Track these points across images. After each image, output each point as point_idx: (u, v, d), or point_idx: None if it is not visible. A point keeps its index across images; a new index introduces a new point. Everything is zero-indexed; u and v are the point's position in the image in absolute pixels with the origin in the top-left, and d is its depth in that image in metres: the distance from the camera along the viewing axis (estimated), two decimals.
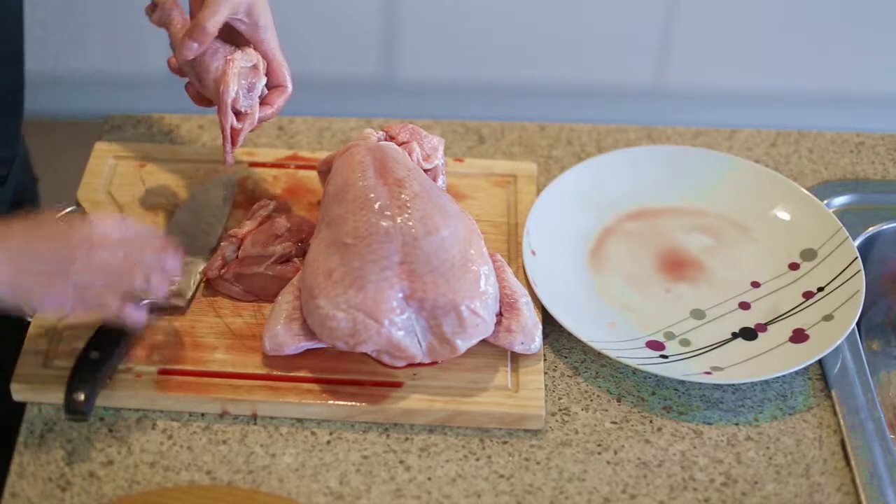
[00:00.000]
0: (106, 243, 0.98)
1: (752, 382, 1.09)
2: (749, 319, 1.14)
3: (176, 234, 1.17)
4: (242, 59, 1.10)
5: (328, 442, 1.04)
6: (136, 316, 1.00)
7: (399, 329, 1.03)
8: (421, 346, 1.04)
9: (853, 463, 1.03)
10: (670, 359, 1.10)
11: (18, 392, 1.05)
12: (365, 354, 1.06)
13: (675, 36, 2.40)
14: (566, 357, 1.11)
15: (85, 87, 2.34)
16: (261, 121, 1.13)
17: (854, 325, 1.11)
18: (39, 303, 0.99)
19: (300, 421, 1.05)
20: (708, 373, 1.08)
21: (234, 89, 1.09)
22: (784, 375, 1.10)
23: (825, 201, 1.25)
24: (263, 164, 1.26)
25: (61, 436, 1.03)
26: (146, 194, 1.22)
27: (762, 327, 1.13)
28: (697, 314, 1.15)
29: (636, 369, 1.09)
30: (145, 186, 1.23)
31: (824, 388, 1.10)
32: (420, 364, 1.06)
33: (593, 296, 1.16)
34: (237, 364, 1.07)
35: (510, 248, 1.19)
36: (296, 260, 1.14)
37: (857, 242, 1.22)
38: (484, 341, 1.06)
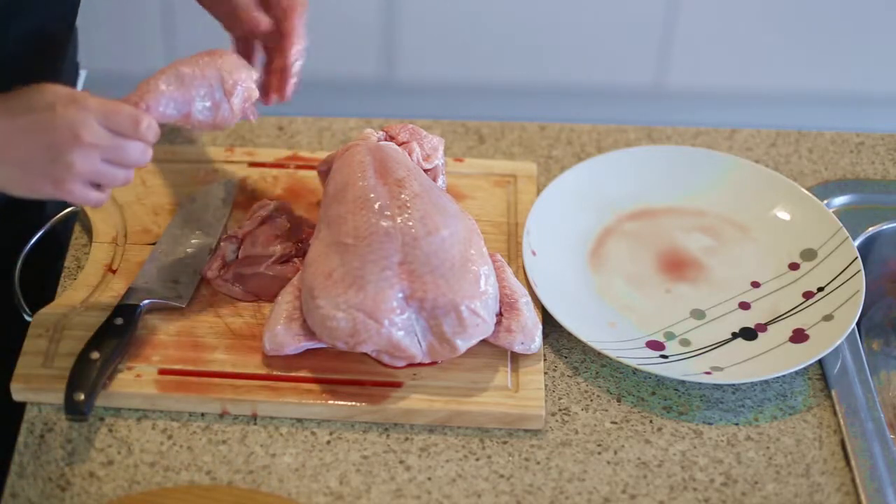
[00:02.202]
0: (93, 140, 0.96)
1: (752, 382, 1.09)
2: (749, 319, 1.14)
3: (176, 235, 1.17)
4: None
5: (328, 442, 1.04)
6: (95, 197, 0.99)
7: (399, 329, 1.03)
8: (421, 346, 1.04)
9: (853, 463, 1.03)
10: (670, 359, 1.10)
11: (18, 392, 1.05)
12: (365, 354, 1.06)
13: (675, 36, 2.40)
14: (566, 357, 1.11)
15: (85, 88, 2.34)
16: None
17: (854, 325, 1.11)
18: (23, 193, 0.98)
19: (300, 421, 1.05)
20: (708, 373, 1.08)
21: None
22: (784, 375, 1.10)
23: (825, 201, 1.25)
24: (263, 164, 1.26)
25: (61, 436, 1.03)
26: (146, 194, 1.22)
27: (762, 327, 1.13)
28: (697, 314, 1.15)
29: (636, 369, 1.09)
30: (145, 186, 1.23)
31: (824, 388, 1.10)
32: (420, 364, 1.06)
33: (593, 296, 1.16)
34: (237, 364, 1.07)
35: (510, 248, 1.19)
36: (296, 260, 1.14)
37: (857, 242, 1.22)
38: (484, 341, 1.06)
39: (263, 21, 1.10)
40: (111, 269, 1.15)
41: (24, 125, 0.94)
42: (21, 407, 1.06)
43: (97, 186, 0.99)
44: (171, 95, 1.03)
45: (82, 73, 1.35)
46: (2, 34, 1.10)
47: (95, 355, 1.03)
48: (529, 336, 1.07)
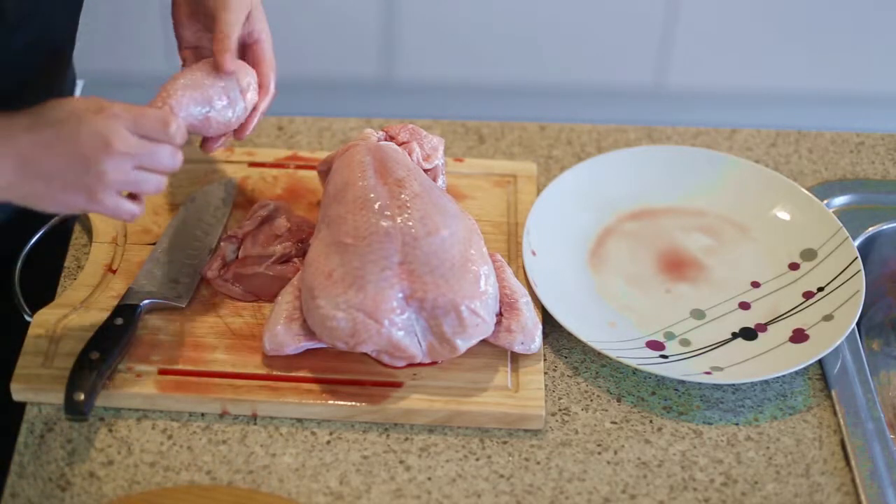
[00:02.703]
0: (124, 148, 0.94)
1: (752, 382, 1.09)
2: (749, 319, 1.14)
3: (176, 235, 1.17)
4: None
5: (328, 442, 1.04)
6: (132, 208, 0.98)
7: (399, 329, 1.03)
8: (421, 346, 1.04)
9: (853, 463, 1.03)
10: (670, 359, 1.10)
11: (18, 392, 1.05)
12: (365, 354, 1.06)
13: (675, 36, 2.40)
14: (566, 357, 1.11)
15: (85, 88, 2.34)
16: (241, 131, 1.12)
17: (854, 325, 1.11)
18: (54, 208, 0.96)
19: (300, 421, 1.05)
20: (708, 373, 1.08)
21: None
22: (784, 375, 1.10)
23: (825, 201, 1.25)
24: (263, 164, 1.26)
25: (61, 436, 1.03)
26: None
27: (762, 327, 1.13)
28: (697, 314, 1.15)
29: (636, 369, 1.09)
30: None
31: (824, 388, 1.10)
32: (420, 364, 1.06)
33: (593, 296, 1.16)
34: (237, 364, 1.07)
35: (510, 248, 1.19)
36: (296, 260, 1.14)
37: (857, 242, 1.22)
38: (484, 341, 1.06)
39: (229, 66, 1.07)
40: (111, 269, 1.15)
41: (50, 138, 0.92)
42: (21, 407, 1.06)
43: (131, 197, 0.98)
44: (192, 96, 1.04)
45: (79, 84, 1.34)
46: (8, 42, 1.10)
47: (95, 355, 1.03)
48: (529, 336, 1.07)
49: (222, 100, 1.06)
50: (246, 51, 1.11)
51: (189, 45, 1.13)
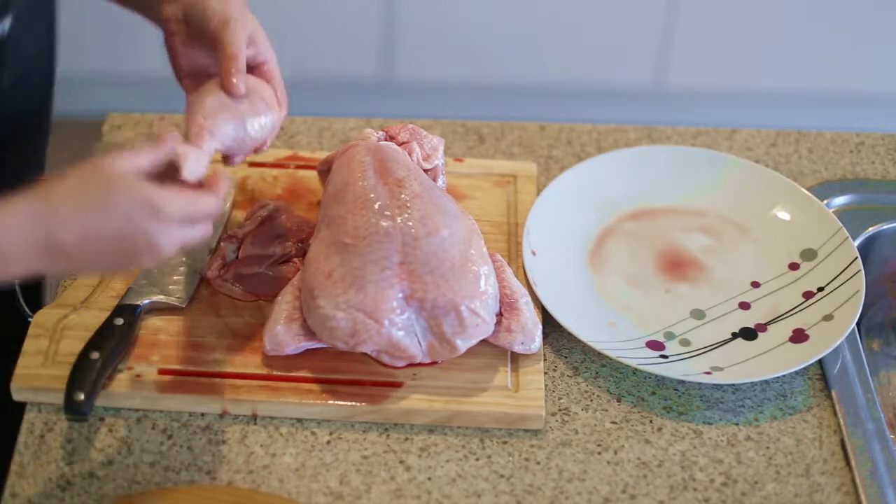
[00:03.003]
0: (172, 250, 0.94)
1: (752, 382, 1.09)
2: (749, 319, 1.14)
3: None
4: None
5: (328, 442, 1.04)
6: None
7: (399, 329, 1.03)
8: (421, 346, 1.04)
9: (853, 463, 1.03)
10: (670, 359, 1.10)
11: (18, 392, 1.05)
12: (365, 354, 1.06)
13: (675, 36, 2.40)
14: (566, 357, 1.11)
15: (85, 87, 2.34)
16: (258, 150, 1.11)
17: (854, 325, 1.11)
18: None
19: (300, 421, 1.05)
20: (708, 373, 1.08)
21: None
22: (784, 375, 1.10)
23: (825, 201, 1.25)
24: (263, 164, 1.26)
25: (61, 436, 1.03)
26: None
27: (762, 327, 1.13)
28: (697, 314, 1.15)
29: (636, 369, 1.09)
30: None
31: (824, 388, 1.10)
32: (420, 364, 1.06)
33: (593, 296, 1.16)
34: (237, 364, 1.07)
35: (510, 248, 1.19)
36: (296, 260, 1.14)
37: (857, 242, 1.22)
38: (484, 341, 1.06)
39: (240, 90, 1.05)
40: None
41: (98, 234, 0.90)
42: (21, 407, 1.06)
43: None
44: (225, 118, 1.02)
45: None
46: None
47: (95, 355, 1.03)
48: (529, 336, 1.07)
49: (252, 117, 1.05)
50: (253, 71, 1.10)
51: (187, 73, 1.12)
